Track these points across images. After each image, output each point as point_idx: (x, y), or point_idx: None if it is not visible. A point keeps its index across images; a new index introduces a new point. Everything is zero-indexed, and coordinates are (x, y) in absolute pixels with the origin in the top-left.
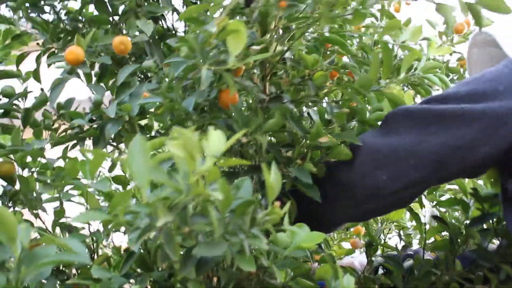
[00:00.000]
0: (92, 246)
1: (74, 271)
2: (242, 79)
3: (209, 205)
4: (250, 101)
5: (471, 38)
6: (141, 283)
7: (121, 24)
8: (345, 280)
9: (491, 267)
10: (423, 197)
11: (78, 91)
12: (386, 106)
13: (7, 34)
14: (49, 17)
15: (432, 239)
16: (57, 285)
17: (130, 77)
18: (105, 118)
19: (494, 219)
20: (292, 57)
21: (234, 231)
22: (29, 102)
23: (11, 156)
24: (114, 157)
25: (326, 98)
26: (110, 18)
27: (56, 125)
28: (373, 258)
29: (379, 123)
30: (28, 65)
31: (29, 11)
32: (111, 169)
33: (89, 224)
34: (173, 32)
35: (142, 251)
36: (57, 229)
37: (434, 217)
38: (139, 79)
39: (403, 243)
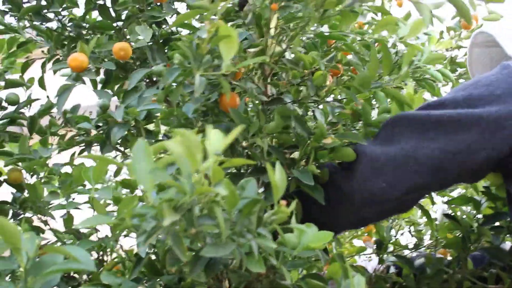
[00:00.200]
0: (102, 251)
1: (85, 276)
2: (242, 81)
3: (215, 206)
4: (251, 104)
5: (472, 38)
6: (151, 287)
7: (125, 30)
8: (356, 280)
9: (504, 266)
10: (433, 193)
11: (83, 97)
12: (393, 108)
13: (12, 43)
14: (53, 24)
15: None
16: None
17: (137, 82)
18: (111, 122)
19: (507, 218)
20: (291, 57)
21: (241, 231)
22: (33, 110)
23: (19, 163)
24: (119, 162)
25: (331, 97)
26: (114, 24)
27: (63, 132)
28: (384, 257)
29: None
30: (32, 72)
31: (32, 19)
32: (116, 173)
33: (97, 230)
34: (177, 35)
35: (151, 256)
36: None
37: (446, 215)
38: (146, 84)
39: (414, 239)
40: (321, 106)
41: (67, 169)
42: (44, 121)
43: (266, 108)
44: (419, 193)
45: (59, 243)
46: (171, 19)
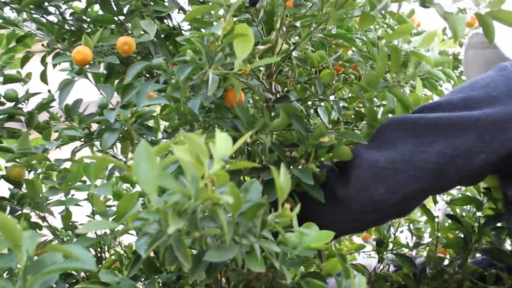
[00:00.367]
0: (99, 249)
1: (83, 274)
2: (248, 78)
3: (219, 209)
4: (254, 101)
5: (467, 40)
6: (150, 286)
7: (127, 24)
8: (357, 280)
9: (504, 267)
10: None
11: (84, 92)
12: (398, 110)
13: (11, 38)
14: (53, 18)
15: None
16: None
17: (136, 78)
18: (103, 125)
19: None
20: (298, 55)
21: (245, 234)
22: (30, 105)
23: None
24: (120, 163)
25: (334, 95)
26: (116, 18)
27: (64, 126)
28: (384, 256)
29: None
30: (31, 67)
31: (32, 12)
32: (109, 177)
33: None
34: (179, 30)
35: (150, 253)
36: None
37: (448, 215)
38: (145, 78)
39: (414, 237)
40: (323, 104)
41: (67, 164)
42: (42, 117)
43: (271, 105)
44: (419, 197)
45: (56, 241)
46: (173, 14)
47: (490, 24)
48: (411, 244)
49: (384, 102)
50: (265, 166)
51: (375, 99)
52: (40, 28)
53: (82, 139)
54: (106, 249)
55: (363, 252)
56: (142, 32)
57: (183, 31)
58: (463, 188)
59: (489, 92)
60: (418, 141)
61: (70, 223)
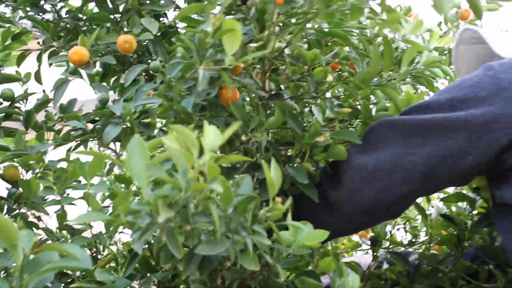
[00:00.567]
0: (95, 248)
1: (78, 273)
2: (241, 76)
3: (210, 203)
4: (249, 99)
5: (458, 35)
6: (145, 285)
7: (123, 22)
8: (350, 278)
9: (497, 264)
10: None
11: (79, 91)
12: (391, 108)
13: (7, 35)
14: (49, 16)
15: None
16: None
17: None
18: (106, 119)
19: None
20: (291, 53)
21: (236, 228)
22: (30, 104)
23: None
24: (114, 158)
25: (329, 93)
26: (112, 16)
27: (59, 127)
28: (378, 254)
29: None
30: (28, 65)
31: (28, 9)
32: (108, 172)
33: (91, 226)
34: (175, 29)
35: (145, 252)
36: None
37: (441, 214)
38: (144, 77)
39: (409, 235)
40: (318, 102)
41: (63, 164)
42: (40, 116)
43: (265, 103)
44: (410, 199)
45: (50, 241)
46: (169, 13)
47: (477, 2)
48: (406, 242)
49: (375, 101)
50: (258, 164)
51: (372, 96)
52: (36, 26)
53: (78, 140)
54: (101, 248)
55: (361, 250)
56: (140, 30)
57: (179, 30)
58: None
59: (477, 92)
60: (407, 143)
61: (65, 224)
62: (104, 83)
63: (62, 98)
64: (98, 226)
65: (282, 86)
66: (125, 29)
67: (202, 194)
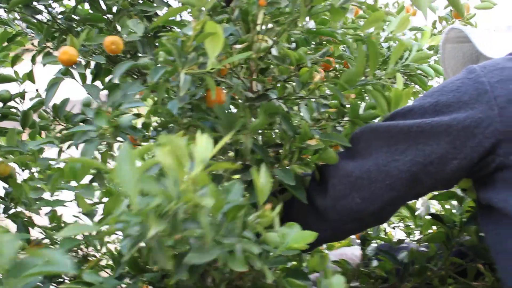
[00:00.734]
0: (86, 249)
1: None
2: (228, 77)
3: (200, 211)
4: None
5: (444, 34)
6: (134, 285)
7: (116, 23)
8: (335, 280)
9: (485, 263)
10: None
11: (74, 91)
12: (382, 105)
13: (4, 36)
14: (43, 17)
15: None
16: None
17: (124, 77)
18: (79, 137)
19: None
20: (278, 54)
21: (226, 235)
22: (28, 104)
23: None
24: (102, 166)
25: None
26: (105, 17)
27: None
28: (367, 252)
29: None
30: (26, 65)
31: (22, 11)
32: (92, 180)
33: None
34: (169, 28)
35: (134, 253)
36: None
37: (430, 214)
38: (134, 76)
39: (404, 234)
40: (305, 102)
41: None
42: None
43: (251, 104)
44: (396, 204)
45: (46, 240)
46: (162, 13)
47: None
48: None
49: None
50: (247, 166)
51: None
52: (30, 27)
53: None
54: (94, 249)
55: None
56: (129, 32)
57: (173, 30)
58: None
59: (459, 96)
60: (392, 150)
61: (56, 223)
62: (97, 83)
63: (58, 98)
64: None
65: (271, 87)
66: (119, 30)
67: (192, 201)
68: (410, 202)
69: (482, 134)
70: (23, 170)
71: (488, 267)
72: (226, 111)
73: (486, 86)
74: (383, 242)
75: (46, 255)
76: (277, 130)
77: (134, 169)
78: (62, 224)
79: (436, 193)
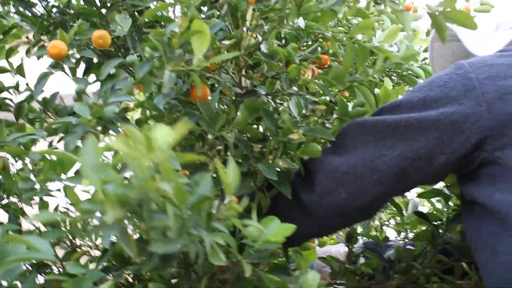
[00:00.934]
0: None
1: (59, 265)
2: (216, 72)
3: (166, 202)
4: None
5: (433, 33)
6: (118, 277)
7: (108, 17)
8: (310, 276)
9: (470, 262)
10: None
11: (65, 85)
12: (369, 102)
13: (0, 30)
14: (37, 10)
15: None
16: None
17: (116, 71)
18: (65, 129)
19: None
20: (267, 50)
21: (193, 227)
22: (22, 95)
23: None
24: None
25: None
26: (99, 11)
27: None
28: (353, 250)
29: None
30: (24, 59)
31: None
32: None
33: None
34: (163, 24)
35: (118, 246)
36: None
37: (416, 212)
38: (128, 71)
39: (394, 232)
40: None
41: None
42: None
43: (239, 100)
44: (383, 199)
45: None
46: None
47: (443, 24)
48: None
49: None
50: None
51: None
52: (24, 20)
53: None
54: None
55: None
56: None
57: (165, 26)
58: None
59: (447, 91)
60: (379, 145)
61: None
62: (90, 76)
63: (52, 91)
64: None
65: (259, 83)
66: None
67: (158, 193)
68: (400, 201)
69: (469, 129)
70: (16, 161)
71: (474, 267)
72: (211, 107)
73: (474, 82)
74: (370, 240)
75: (28, 242)
76: (261, 126)
77: (98, 160)
78: None
79: (422, 190)
